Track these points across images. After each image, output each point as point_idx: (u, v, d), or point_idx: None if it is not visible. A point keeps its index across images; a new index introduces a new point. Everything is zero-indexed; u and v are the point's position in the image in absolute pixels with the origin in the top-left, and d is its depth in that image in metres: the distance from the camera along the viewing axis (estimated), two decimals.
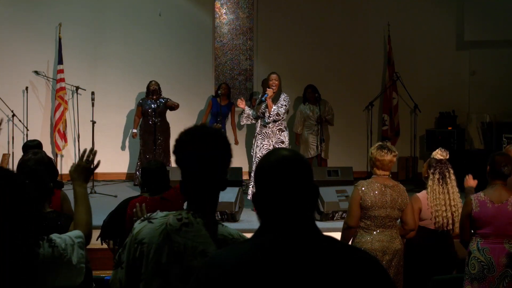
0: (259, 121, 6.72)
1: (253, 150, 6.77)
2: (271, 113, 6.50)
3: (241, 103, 6.70)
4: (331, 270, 1.39)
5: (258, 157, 6.60)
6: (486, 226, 3.80)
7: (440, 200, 4.20)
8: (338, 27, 9.90)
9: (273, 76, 6.66)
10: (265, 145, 6.58)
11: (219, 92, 8.73)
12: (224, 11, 10.09)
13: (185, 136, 1.91)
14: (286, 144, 6.64)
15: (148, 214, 1.98)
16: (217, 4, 10.05)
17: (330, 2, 9.92)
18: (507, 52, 9.74)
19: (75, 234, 2.13)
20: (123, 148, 9.59)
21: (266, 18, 9.94)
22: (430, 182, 4.25)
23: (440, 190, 4.21)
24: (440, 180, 4.22)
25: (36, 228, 1.95)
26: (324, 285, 1.38)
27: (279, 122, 6.59)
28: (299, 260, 1.40)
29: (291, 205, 1.46)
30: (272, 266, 1.39)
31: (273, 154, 1.54)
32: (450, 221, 4.20)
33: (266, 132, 6.61)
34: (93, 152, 2.43)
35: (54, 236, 2.03)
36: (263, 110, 6.61)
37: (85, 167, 2.38)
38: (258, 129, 6.72)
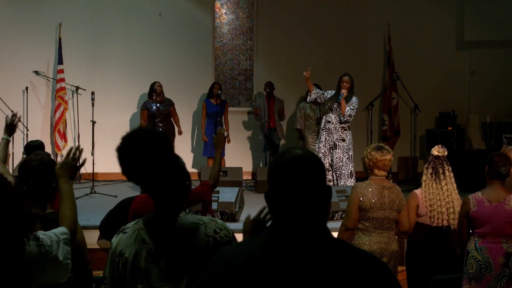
0: (323, 118, 7.20)
1: (317, 145, 7.19)
2: (345, 113, 6.94)
3: (307, 73, 7.04)
4: (339, 272, 1.39)
5: (322, 152, 7.03)
6: (483, 225, 3.82)
7: (434, 195, 4.21)
8: (338, 27, 9.89)
9: (345, 78, 7.08)
10: (327, 141, 7.01)
11: (219, 92, 8.64)
12: (224, 11, 10.09)
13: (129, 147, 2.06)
14: (347, 143, 7.01)
15: (122, 227, 2.09)
16: (217, 4, 10.05)
17: (330, 2, 9.92)
18: (507, 52, 9.74)
19: (60, 230, 2.18)
20: None
21: (266, 18, 9.94)
22: (424, 177, 4.29)
23: (434, 185, 4.22)
24: (434, 175, 4.23)
25: (21, 227, 2.02)
26: (331, 286, 1.38)
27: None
28: (308, 261, 1.40)
29: (303, 205, 1.46)
30: (281, 265, 1.39)
31: (287, 153, 1.53)
32: (445, 216, 4.20)
33: (329, 127, 7.02)
34: (79, 150, 2.50)
35: (40, 233, 2.08)
36: (335, 107, 6.99)
37: (71, 165, 2.43)
38: (322, 124, 7.17)
